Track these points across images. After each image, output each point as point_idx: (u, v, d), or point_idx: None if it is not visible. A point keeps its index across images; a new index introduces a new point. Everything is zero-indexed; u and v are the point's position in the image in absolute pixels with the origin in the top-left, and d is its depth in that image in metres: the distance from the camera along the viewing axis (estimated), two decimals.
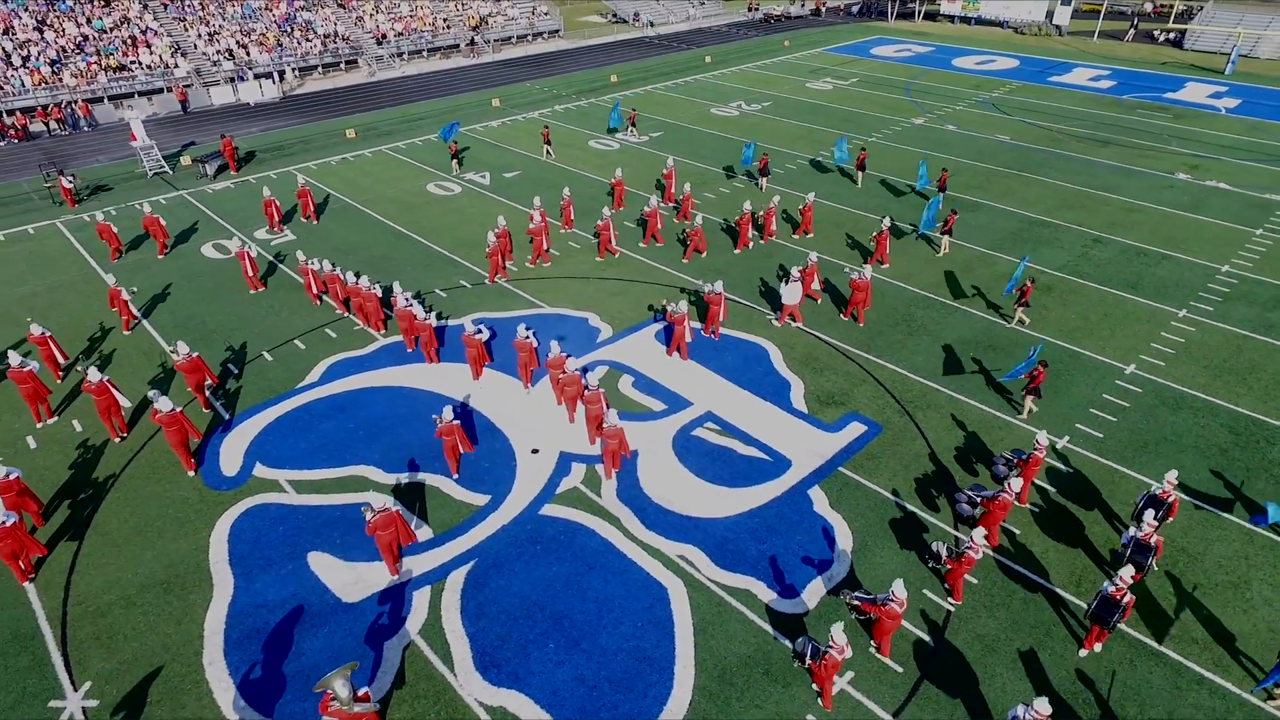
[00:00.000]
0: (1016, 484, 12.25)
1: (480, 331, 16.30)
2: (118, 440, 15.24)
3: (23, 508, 12.68)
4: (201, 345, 18.11)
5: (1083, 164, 29.87)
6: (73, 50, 38.91)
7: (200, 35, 42.94)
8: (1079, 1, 60.57)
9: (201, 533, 13.13)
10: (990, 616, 11.55)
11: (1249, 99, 39.33)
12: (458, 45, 52.01)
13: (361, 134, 34.73)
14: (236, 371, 17.50)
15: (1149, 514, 11.39)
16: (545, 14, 58.27)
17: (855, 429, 15.45)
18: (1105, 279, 21.19)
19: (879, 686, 10.55)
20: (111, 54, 39.24)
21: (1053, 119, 35.89)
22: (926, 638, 11.21)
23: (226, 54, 42.27)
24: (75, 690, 10.60)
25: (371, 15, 50.32)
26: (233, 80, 40.88)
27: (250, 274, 20.53)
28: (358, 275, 19.21)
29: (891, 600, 10.38)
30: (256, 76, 41.18)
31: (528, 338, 15.88)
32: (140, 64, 39.45)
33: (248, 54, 42.87)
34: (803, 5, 72.07)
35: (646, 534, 12.99)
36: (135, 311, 19.84)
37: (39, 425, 15.61)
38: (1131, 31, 57.49)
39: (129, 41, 40.34)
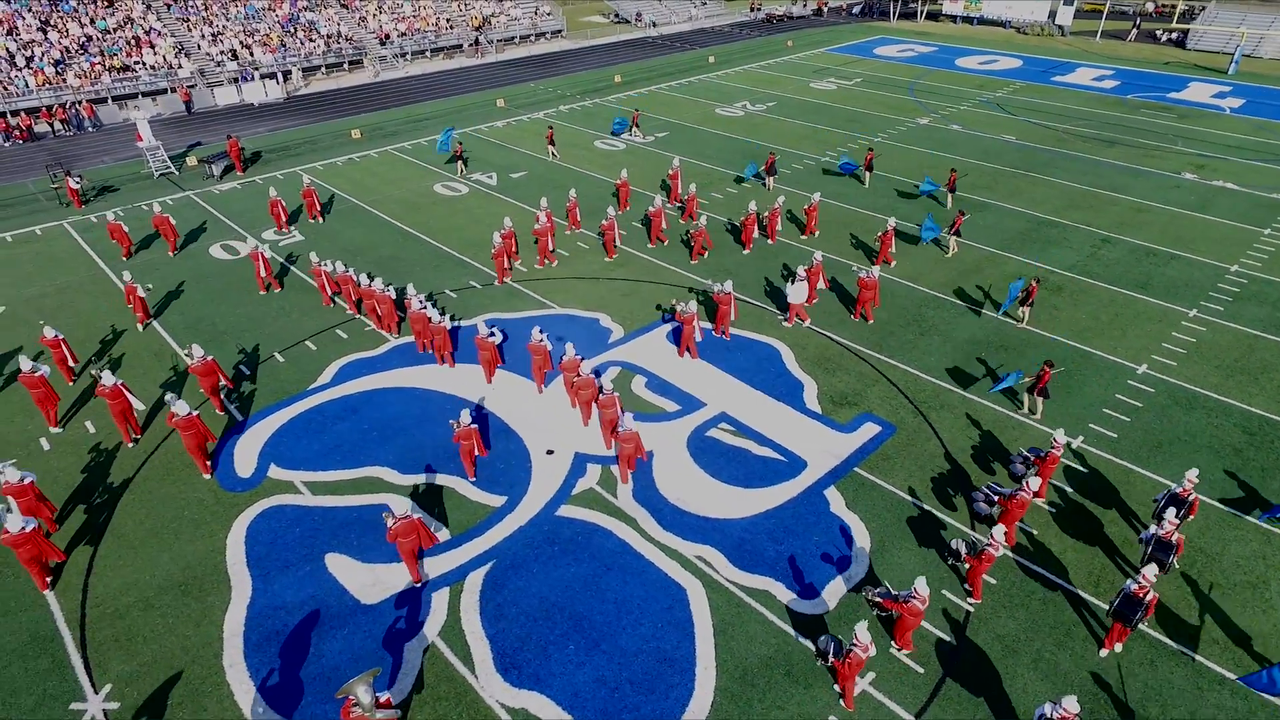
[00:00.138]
0: (1035, 482, 12.25)
1: (493, 334, 16.28)
2: (130, 444, 15.19)
3: (36, 513, 12.63)
4: (212, 346, 18.08)
5: (1089, 164, 29.88)
6: (76, 51, 38.87)
7: (204, 35, 42.89)
8: (1081, 1, 60.57)
9: (218, 535, 13.12)
10: (1010, 617, 11.55)
11: (1253, 99, 39.36)
12: (461, 45, 52.00)
13: (367, 134, 34.70)
14: (248, 373, 17.48)
15: (1170, 512, 11.40)
16: (548, 14, 58.26)
17: (869, 429, 15.45)
18: (1115, 279, 21.20)
19: (900, 687, 10.54)
20: (115, 54, 39.20)
21: (1058, 119, 35.91)
22: (947, 638, 11.21)
23: (230, 54, 42.23)
24: (96, 693, 10.58)
25: (374, 15, 50.30)
26: (236, 80, 40.84)
27: (263, 275, 20.50)
28: (371, 277, 19.20)
29: (914, 597, 10.39)
30: (262, 77, 41.11)
31: (542, 341, 15.86)
32: (144, 64, 39.41)
33: (251, 54, 42.83)
34: (804, 5, 72.09)
35: (664, 535, 12.98)
36: (149, 310, 19.88)
37: (53, 430, 15.55)
38: (1134, 31, 57.54)
39: (133, 42, 40.29)
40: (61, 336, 16.73)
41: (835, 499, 13.73)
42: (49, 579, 12.14)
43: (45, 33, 39.09)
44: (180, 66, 40.11)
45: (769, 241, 23.31)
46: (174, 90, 39.14)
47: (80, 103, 36.54)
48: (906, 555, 12.56)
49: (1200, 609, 11.68)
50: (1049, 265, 21.90)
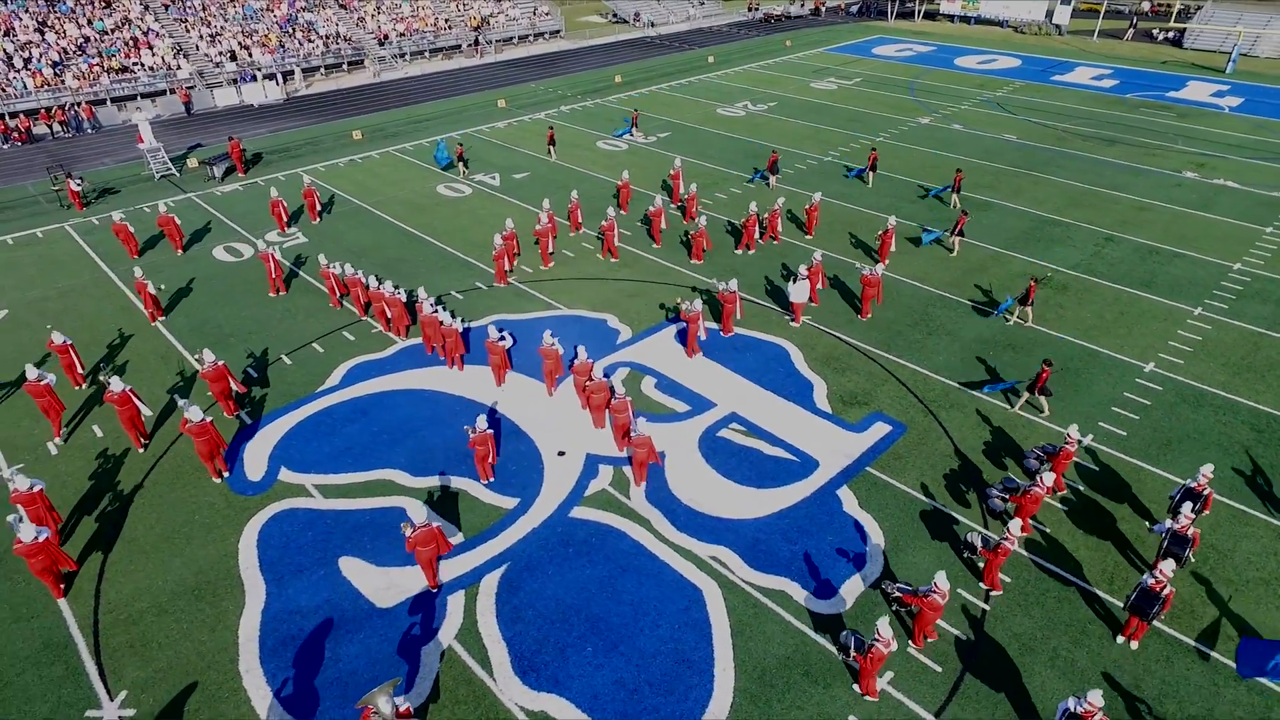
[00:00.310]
0: (1049, 477, 12.31)
1: (503, 338, 16.22)
2: (140, 449, 15.10)
3: (43, 523, 12.49)
4: (218, 349, 18.00)
5: (1090, 163, 29.97)
6: (74, 52, 38.69)
7: (202, 37, 42.73)
8: (1078, 0, 60.75)
9: (230, 539, 13.06)
10: (1026, 614, 11.58)
11: (1251, 98, 39.52)
12: (460, 46, 51.91)
13: (368, 135, 34.62)
14: (256, 375, 17.41)
15: (1186, 506, 11.48)
16: (546, 14, 58.19)
17: (880, 429, 15.46)
18: (1119, 277, 21.27)
19: (919, 686, 10.56)
20: (113, 55, 39.03)
21: (1058, 118, 36.00)
22: (964, 636, 11.23)
23: (229, 55, 42.08)
24: (111, 699, 10.52)
25: (373, 16, 50.18)
26: (236, 82, 40.70)
27: (274, 276, 20.44)
28: (380, 280, 19.14)
29: (934, 592, 10.42)
30: (266, 77, 40.99)
31: (554, 345, 15.81)
32: (143, 65, 39.25)
33: (250, 55, 42.68)
34: (802, 5, 72.12)
35: (678, 536, 12.97)
36: (160, 305, 19.93)
37: (59, 440, 15.42)
38: (1130, 30, 57.72)
39: (131, 43, 40.12)
40: (70, 342, 16.62)
41: (848, 498, 13.74)
42: (63, 587, 12.05)
43: (42, 34, 38.91)
44: (179, 68, 39.96)
45: (774, 241, 23.30)
46: (173, 91, 38.98)
47: (79, 104, 36.37)
48: (921, 554, 12.58)
49: (1215, 606, 11.72)
50: (1053, 264, 21.95)
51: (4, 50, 37.04)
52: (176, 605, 11.86)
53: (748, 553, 12.63)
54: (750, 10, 69.35)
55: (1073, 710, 8.88)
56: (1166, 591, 10.40)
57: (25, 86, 35.99)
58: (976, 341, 18.34)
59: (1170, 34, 55.46)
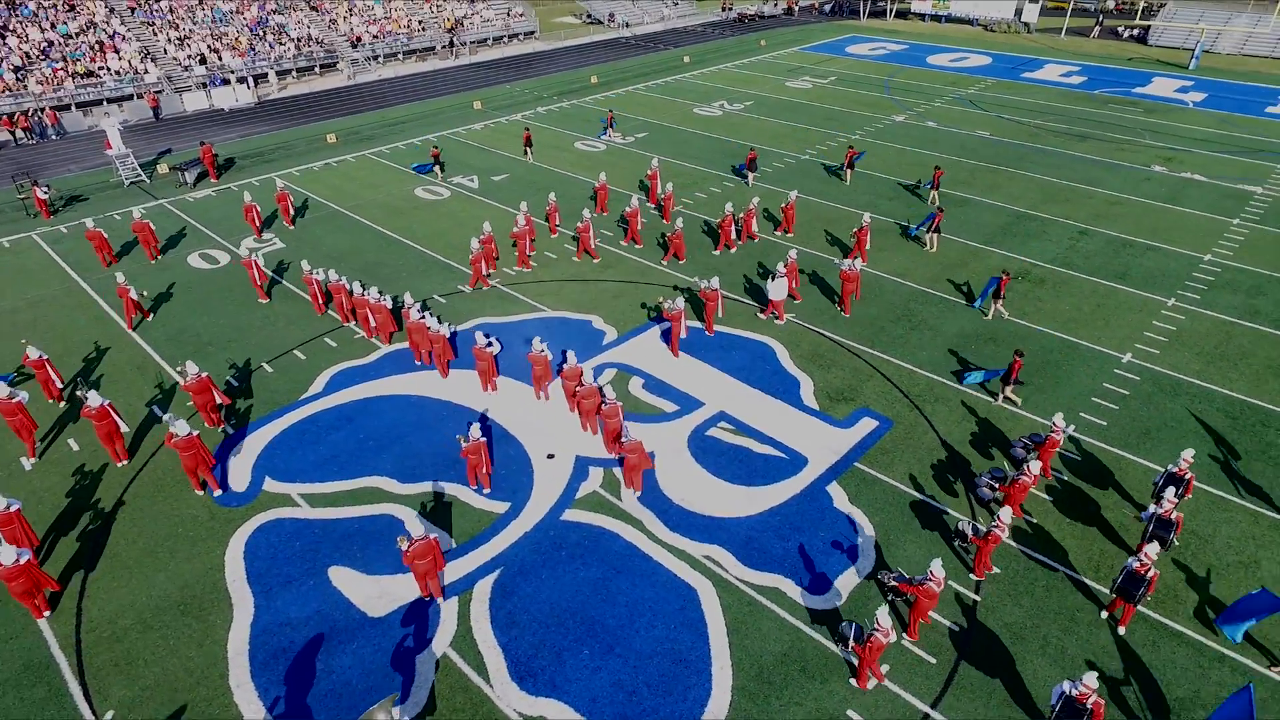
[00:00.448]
0: (1035, 466, 12.50)
1: (490, 344, 16.06)
2: (121, 464, 14.73)
3: (20, 543, 12.12)
4: (197, 359, 17.67)
5: (1063, 158, 30.49)
6: (38, 56, 37.76)
7: (170, 40, 41.94)
8: None
9: (215, 551, 12.82)
10: (1016, 604, 11.73)
11: (1214, 93, 40.46)
12: (434, 47, 51.51)
13: (343, 139, 34.20)
14: (237, 385, 17.11)
15: (1169, 491, 11.74)
16: (521, 15, 57.96)
17: (867, 424, 15.59)
18: (1094, 270, 21.65)
19: (915, 678, 10.65)
20: (78, 60, 38.17)
21: (1030, 114, 36.58)
22: (957, 627, 11.35)
23: (198, 59, 41.34)
24: None
25: (345, 18, 49.60)
26: (205, 85, 40.00)
27: (259, 283, 20.11)
28: (364, 286, 18.91)
29: (930, 580, 10.53)
30: (239, 80, 40.34)
31: (543, 351, 15.69)
32: (109, 70, 38.42)
33: (220, 59, 41.98)
34: (775, 5, 72.58)
35: (671, 536, 12.97)
36: (144, 309, 19.69)
37: (33, 459, 14.98)
38: (1097, 28, 58.85)
39: (96, 47, 39.27)
40: (46, 357, 16.15)
41: (838, 494, 13.83)
42: (46, 608, 11.69)
43: (4, 38, 37.93)
44: (146, 72, 39.18)
45: (745, 240, 23.33)
46: (141, 96, 38.20)
47: (43, 110, 35.51)
48: (913, 547, 12.69)
49: (1197, 590, 11.97)
50: (1030, 258, 22.29)
51: None
52: (162, 621, 11.61)
53: (741, 551, 12.66)
54: (724, 10, 69.65)
55: (1068, 693, 9.03)
56: (1151, 574, 10.63)
57: None
58: (959, 336, 18.56)
59: (1135, 31, 56.64)
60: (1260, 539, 12.90)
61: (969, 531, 12.00)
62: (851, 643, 10.35)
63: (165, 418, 13.86)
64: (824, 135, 33.74)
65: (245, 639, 11.29)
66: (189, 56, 41.33)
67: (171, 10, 43.97)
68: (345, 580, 12.20)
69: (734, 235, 22.79)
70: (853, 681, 10.53)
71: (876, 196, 26.93)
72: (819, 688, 10.52)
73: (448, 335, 17.03)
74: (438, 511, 13.54)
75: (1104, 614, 11.42)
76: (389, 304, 17.94)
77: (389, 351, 18.17)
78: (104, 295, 20.92)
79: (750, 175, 27.73)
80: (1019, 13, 60.35)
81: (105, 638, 11.39)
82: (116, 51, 39.49)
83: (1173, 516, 11.64)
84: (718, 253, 22.72)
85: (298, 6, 48.77)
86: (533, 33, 57.69)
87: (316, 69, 46.27)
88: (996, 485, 13.02)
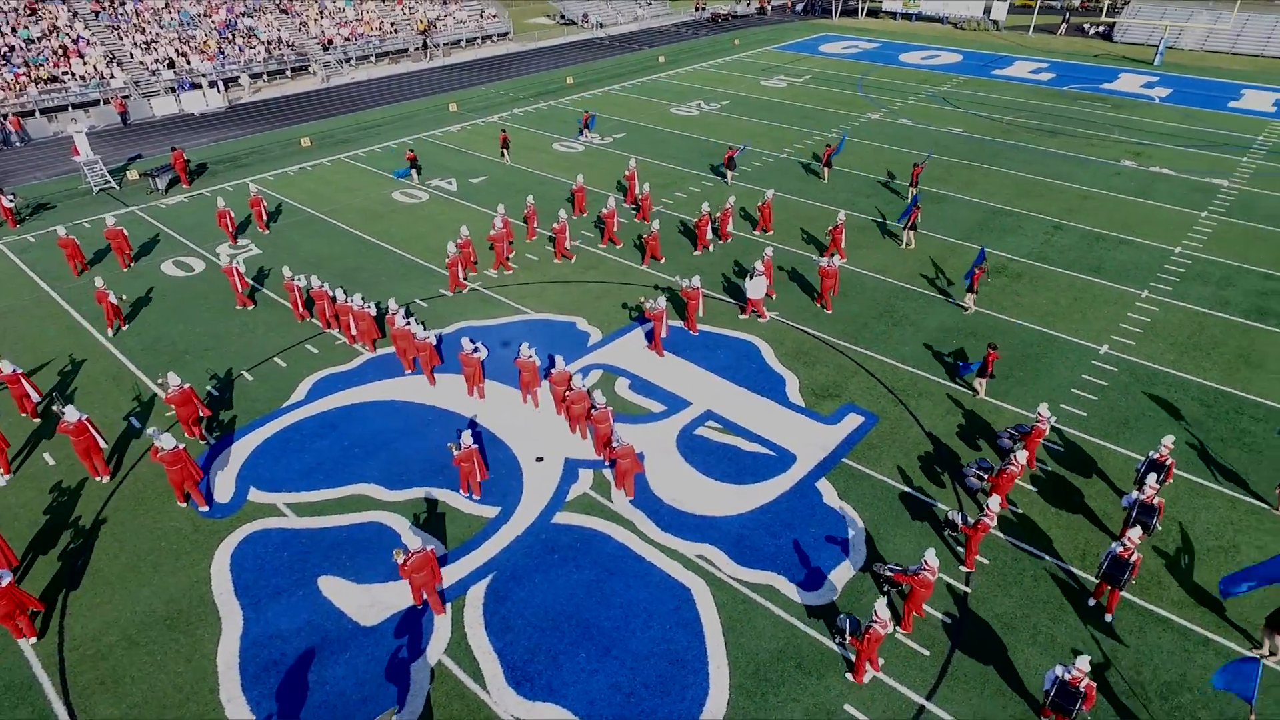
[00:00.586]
0: (1022, 455, 12.70)
1: (477, 350, 15.92)
2: (102, 479, 14.37)
3: None
4: (175, 368, 17.30)
5: (1035, 154, 30.99)
6: None
7: (136, 44, 41.11)
8: None
9: (200, 564, 12.59)
10: (1005, 595, 11.90)
11: (1179, 88, 41.37)
12: (407, 50, 51.05)
13: (317, 142, 33.76)
14: (217, 394, 16.82)
15: (1151, 477, 12.01)
16: (494, 16, 57.64)
17: (853, 420, 15.72)
18: (1070, 264, 22.04)
19: (909, 671, 10.76)
20: (41, 65, 37.27)
21: (1001, 111, 37.14)
22: (948, 619, 11.49)
23: (166, 63, 40.58)
24: None
25: (316, 20, 48.97)
26: (174, 90, 39.27)
27: (241, 290, 19.78)
28: (348, 293, 18.67)
29: (924, 569, 10.65)
30: (210, 84, 39.65)
31: (530, 357, 15.59)
32: (73, 75, 37.57)
33: (188, 63, 41.24)
34: (748, 4, 72.91)
35: (663, 536, 12.97)
36: (122, 315, 19.35)
37: (8, 475, 14.59)
38: (1064, 25, 59.90)
39: (59, 51, 38.38)
40: (21, 371, 15.72)
41: (827, 490, 13.93)
42: (34, 635, 11.35)
43: None
44: (113, 77, 38.37)
45: (721, 241, 23.40)
46: (108, 102, 37.40)
47: (6, 116, 34.62)
48: (904, 540, 12.83)
49: (1180, 576, 12.23)
50: (1007, 253, 22.63)
51: None
52: (148, 637, 11.38)
53: (733, 549, 12.70)
54: (697, 10, 69.83)
55: (1061, 677, 9.21)
56: (1135, 558, 10.86)
57: None
58: (940, 330, 18.79)
59: (1101, 28, 57.73)
60: (1238, 524, 13.22)
61: (958, 521, 12.17)
62: (849, 635, 10.43)
63: (149, 431, 13.56)
64: (801, 134, 33.97)
65: (235, 652, 11.10)
66: (156, 60, 40.56)
67: (137, 14, 43.10)
68: (336, 590, 12.05)
69: (710, 235, 22.86)
70: (849, 676, 10.62)
71: (855, 194, 27.17)
72: (815, 683, 10.59)
73: (434, 343, 16.86)
74: (427, 518, 13.42)
75: (1091, 601, 11.64)
76: (373, 311, 17.73)
77: (372, 357, 17.97)
78: (76, 305, 20.45)
79: (729, 173, 27.85)
80: (988, 10, 61.26)
81: (89, 656, 11.14)
82: (81, 56, 38.64)
83: (1154, 502, 11.89)
84: (698, 253, 22.76)
85: (267, 9, 48.07)
86: (506, 34, 57.41)
87: (288, 72, 45.64)
88: (984, 475, 13.21)
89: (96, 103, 37.50)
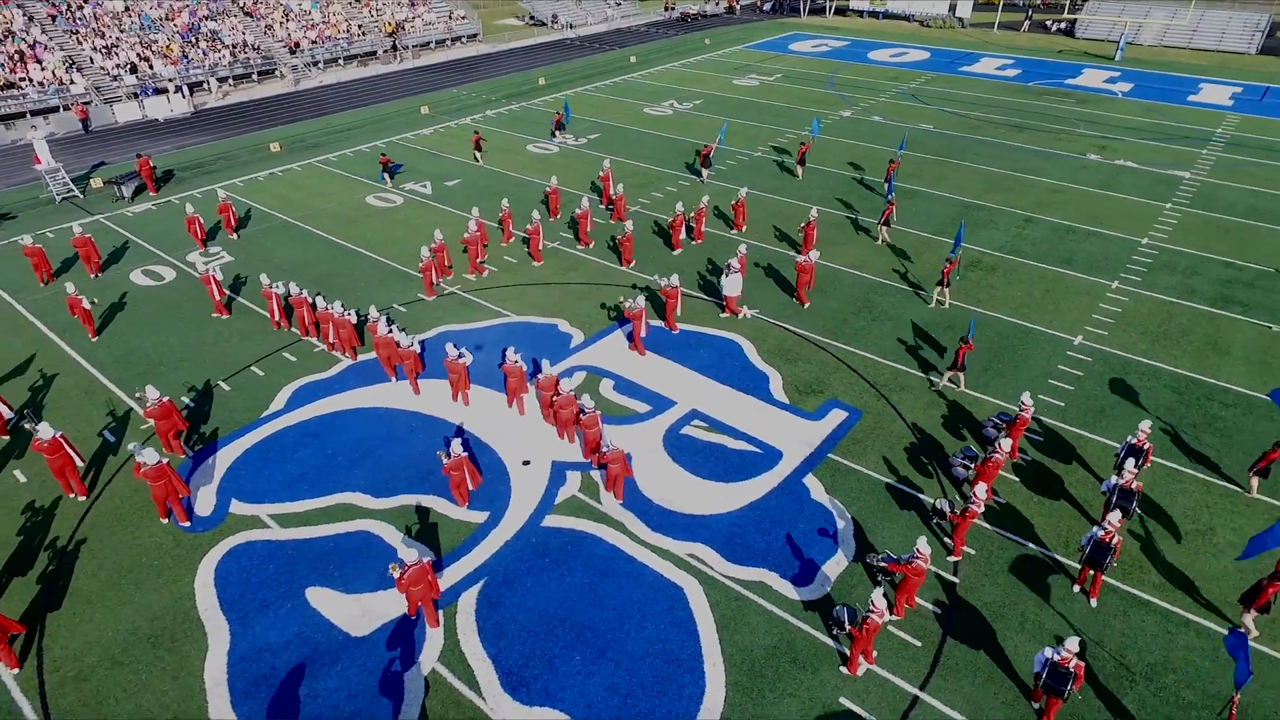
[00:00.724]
0: (1006, 444, 12.92)
1: (461, 356, 15.77)
2: (79, 497, 14.00)
3: None
4: (148, 379, 16.93)
5: (1004, 149, 31.53)
6: None
7: (96, 49, 40.11)
8: None
9: (183, 579, 12.32)
10: (993, 584, 12.09)
11: (1140, 83, 42.38)
12: (375, 52, 50.45)
13: (287, 147, 33.23)
14: (193, 405, 16.48)
15: (1130, 462, 12.28)
16: (463, 18, 57.20)
17: (837, 415, 15.86)
18: (1041, 256, 22.46)
19: (902, 662, 10.89)
20: None
21: (969, 107, 37.72)
22: (938, 609, 11.64)
23: (128, 68, 39.65)
24: None
25: (281, 23, 48.18)
26: (137, 95, 38.38)
27: (218, 298, 19.40)
28: (328, 301, 18.39)
29: (917, 557, 10.78)
30: (175, 89, 38.80)
31: (517, 362, 15.47)
32: (31, 81, 36.55)
33: (151, 68, 40.34)
34: (717, 4, 73.23)
35: (653, 536, 12.98)
36: (93, 324, 18.92)
37: None
38: (1027, 22, 61.04)
39: (15, 57, 37.30)
40: None
41: (815, 486, 14.04)
42: (16, 666, 10.99)
43: None
44: (72, 82, 37.39)
45: (694, 241, 23.47)
46: (68, 108, 36.44)
47: None
48: (891, 533, 12.97)
49: (1160, 559, 12.53)
50: (980, 247, 23.00)
51: None
52: (131, 655, 11.12)
53: (724, 547, 12.75)
54: (667, 10, 69.98)
55: (1051, 659, 9.40)
56: (1116, 541, 11.12)
57: None
58: (919, 324, 19.03)
59: (1063, 25, 58.92)
60: (1213, 507, 13.57)
61: (946, 509, 12.34)
62: (848, 625, 10.54)
63: (131, 447, 13.24)
64: (774, 132, 34.19)
65: (223, 668, 10.89)
66: (118, 65, 39.62)
67: (96, 18, 42.06)
68: (324, 601, 11.87)
69: (684, 234, 22.91)
70: (843, 669, 10.72)
71: (829, 191, 27.41)
72: (811, 678, 10.67)
73: (418, 351, 16.67)
74: (415, 525, 13.27)
75: (1075, 587, 11.88)
76: (353, 318, 17.48)
77: (353, 364, 17.73)
78: (42, 317, 19.91)
79: (705, 172, 27.95)
80: (953, 8, 62.23)
81: (70, 678, 10.85)
82: (39, 61, 37.60)
83: (1133, 486, 12.17)
84: (677, 253, 22.80)
85: (231, 12, 47.20)
86: (476, 35, 57.02)
87: (254, 76, 44.86)
88: (970, 464, 13.41)
89: (56, 109, 36.53)
